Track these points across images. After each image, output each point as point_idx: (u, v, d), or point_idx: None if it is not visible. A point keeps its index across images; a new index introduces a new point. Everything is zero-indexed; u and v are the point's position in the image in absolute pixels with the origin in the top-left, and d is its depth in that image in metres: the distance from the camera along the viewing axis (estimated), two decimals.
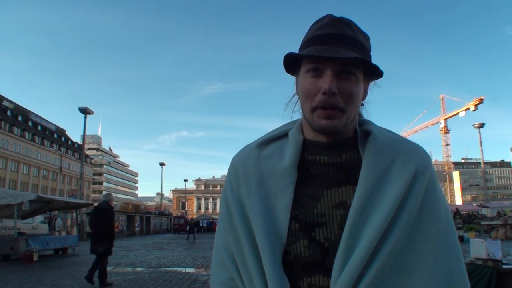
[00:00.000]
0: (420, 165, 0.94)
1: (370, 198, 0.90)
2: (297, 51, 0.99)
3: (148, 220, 52.75)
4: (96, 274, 9.40)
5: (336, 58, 0.90)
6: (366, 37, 0.99)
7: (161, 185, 77.95)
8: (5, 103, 79.86)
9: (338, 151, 1.00)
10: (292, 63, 1.01)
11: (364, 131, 1.02)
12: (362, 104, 1.04)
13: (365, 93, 1.02)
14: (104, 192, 11.69)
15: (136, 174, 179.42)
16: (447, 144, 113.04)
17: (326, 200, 0.95)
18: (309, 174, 0.99)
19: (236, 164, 1.06)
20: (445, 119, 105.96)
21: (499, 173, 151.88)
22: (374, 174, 0.93)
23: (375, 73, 0.98)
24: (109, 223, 9.46)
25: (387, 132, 1.04)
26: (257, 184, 1.00)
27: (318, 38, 0.95)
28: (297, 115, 1.10)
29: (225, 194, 1.05)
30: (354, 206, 0.90)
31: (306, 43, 0.98)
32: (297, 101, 1.06)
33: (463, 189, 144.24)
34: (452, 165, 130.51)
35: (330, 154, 1.00)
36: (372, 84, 1.05)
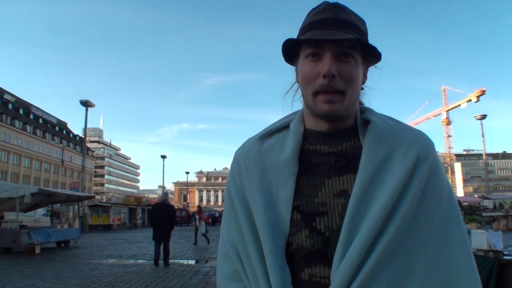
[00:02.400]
0: (422, 152, 0.93)
1: (370, 186, 0.90)
2: (295, 38, 0.99)
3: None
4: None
5: (334, 40, 0.90)
6: (362, 21, 0.99)
7: (163, 177, 77.76)
8: (6, 96, 79.91)
9: (339, 139, 0.99)
10: (290, 51, 1.01)
11: (365, 119, 1.01)
12: (362, 88, 1.02)
13: (365, 77, 1.01)
14: (163, 191, 14.20)
15: (137, 167, 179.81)
16: (448, 136, 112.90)
17: (327, 190, 0.95)
18: (310, 164, 0.99)
19: (239, 157, 1.07)
20: (447, 111, 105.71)
21: (501, 165, 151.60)
22: (374, 163, 0.92)
23: (374, 55, 0.97)
24: (174, 217, 11.89)
25: (389, 119, 1.02)
26: (259, 176, 1.00)
27: (316, 23, 0.95)
28: (298, 104, 1.09)
29: (229, 187, 1.06)
30: (354, 195, 0.89)
31: (303, 30, 0.98)
32: (297, 89, 1.05)
33: (465, 181, 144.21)
34: (454, 157, 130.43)
35: (330, 143, 0.99)
36: (372, 67, 1.03)
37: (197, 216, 20.14)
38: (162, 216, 11.52)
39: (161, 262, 11.57)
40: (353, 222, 0.87)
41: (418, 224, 0.87)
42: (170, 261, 12.08)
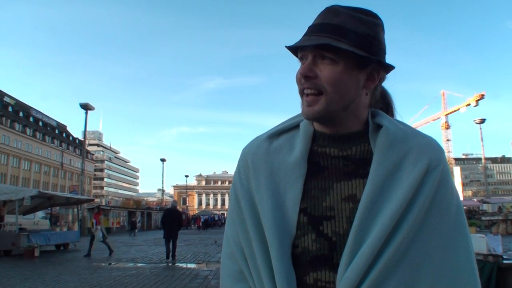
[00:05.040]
0: (433, 160, 0.92)
1: (380, 193, 0.89)
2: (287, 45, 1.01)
3: (149, 215, 52.94)
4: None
5: (307, 46, 0.93)
6: (366, 22, 0.96)
7: (162, 180, 77.95)
8: (6, 99, 79.96)
9: (349, 143, 0.99)
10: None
11: (376, 124, 1.00)
12: (367, 94, 1.00)
13: (370, 81, 0.98)
14: (171, 200, 17.18)
15: (137, 170, 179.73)
16: (448, 140, 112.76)
17: (336, 193, 0.94)
18: (319, 167, 0.98)
19: (246, 156, 1.05)
20: (446, 115, 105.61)
21: (500, 169, 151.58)
22: (385, 169, 0.91)
23: (368, 60, 0.94)
24: (180, 220, 14.91)
25: (400, 124, 1.02)
26: (267, 177, 0.99)
27: (308, 28, 0.98)
28: None
29: (235, 185, 1.05)
30: (364, 201, 0.89)
31: None
32: None
33: (464, 185, 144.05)
34: (453, 161, 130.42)
35: (340, 146, 0.99)
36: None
37: (93, 220, 16.72)
38: (171, 220, 14.17)
39: (161, 266, 11.47)
40: (361, 228, 0.87)
41: (425, 232, 0.87)
42: (169, 263, 12.48)
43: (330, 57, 0.92)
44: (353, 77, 0.95)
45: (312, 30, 0.96)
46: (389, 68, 0.99)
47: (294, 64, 1.07)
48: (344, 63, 0.93)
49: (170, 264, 12.86)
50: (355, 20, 0.94)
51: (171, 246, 14.05)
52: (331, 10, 0.96)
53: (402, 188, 0.88)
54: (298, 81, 0.97)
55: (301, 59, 0.97)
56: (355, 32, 0.93)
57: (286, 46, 0.98)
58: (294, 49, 0.99)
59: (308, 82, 0.94)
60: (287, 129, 1.07)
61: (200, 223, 49.71)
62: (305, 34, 0.96)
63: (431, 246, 0.87)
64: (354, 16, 0.95)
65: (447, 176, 0.94)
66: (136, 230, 36.19)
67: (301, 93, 0.97)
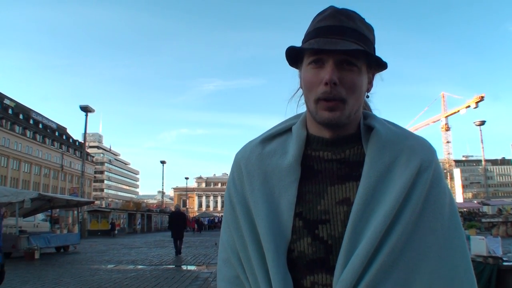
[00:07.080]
0: (425, 160, 0.93)
1: (373, 195, 0.89)
2: (298, 46, 0.97)
3: (149, 218, 52.96)
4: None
5: (336, 50, 0.89)
6: (370, 29, 0.97)
7: (162, 183, 77.49)
8: (6, 101, 79.92)
9: (342, 146, 0.98)
10: (295, 56, 1.00)
11: (368, 126, 1.00)
12: (367, 96, 1.02)
13: (370, 84, 1.00)
14: (175, 204, 21.26)
15: (137, 172, 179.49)
16: (448, 142, 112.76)
17: (330, 197, 0.94)
18: (312, 171, 0.98)
19: (239, 161, 1.05)
20: (446, 117, 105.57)
21: (500, 171, 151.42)
22: (377, 171, 0.91)
23: (379, 64, 0.96)
24: (185, 222, 17.24)
25: (392, 125, 1.02)
26: (261, 181, 0.98)
27: (320, 30, 0.93)
28: (302, 109, 1.07)
29: (229, 191, 1.05)
30: (357, 203, 0.89)
31: (308, 36, 0.96)
32: (301, 95, 1.03)
33: (464, 187, 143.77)
34: (453, 163, 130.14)
35: (333, 150, 0.98)
36: (377, 76, 1.03)
37: None
38: (177, 221, 16.32)
39: (161, 268, 11.47)
40: (356, 230, 0.87)
41: (420, 233, 0.87)
42: (169, 266, 12.59)
43: (354, 64, 0.91)
44: (364, 82, 0.95)
45: (330, 32, 0.92)
46: (379, 70, 1.00)
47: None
48: (362, 69, 0.92)
49: (173, 264, 12.86)
50: (364, 25, 0.95)
51: (178, 244, 16.25)
52: (344, 13, 0.94)
53: (394, 189, 0.88)
54: (315, 86, 0.92)
55: (314, 62, 0.93)
56: (366, 37, 0.94)
57: (305, 48, 0.93)
58: (296, 51, 0.96)
59: (334, 89, 0.89)
60: (280, 133, 1.07)
61: (195, 225, 47.64)
62: (320, 36, 0.92)
63: (426, 246, 0.87)
64: (361, 20, 0.95)
65: (439, 176, 0.94)
66: (116, 231, 37.74)
67: (318, 100, 0.92)
